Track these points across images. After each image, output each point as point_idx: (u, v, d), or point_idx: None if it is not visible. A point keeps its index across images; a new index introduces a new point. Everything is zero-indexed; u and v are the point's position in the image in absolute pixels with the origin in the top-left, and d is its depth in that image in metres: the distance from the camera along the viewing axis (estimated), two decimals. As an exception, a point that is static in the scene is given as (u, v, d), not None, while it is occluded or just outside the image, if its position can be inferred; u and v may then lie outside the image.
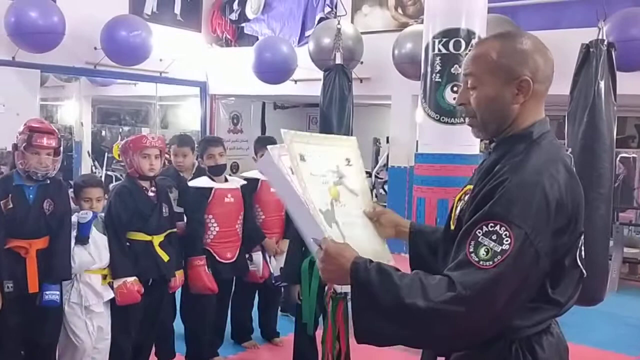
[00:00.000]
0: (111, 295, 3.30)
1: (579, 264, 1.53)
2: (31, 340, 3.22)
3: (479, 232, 1.41)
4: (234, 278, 4.18)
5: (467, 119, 1.63)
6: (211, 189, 3.94)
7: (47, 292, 3.08)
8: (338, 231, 1.68)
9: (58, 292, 3.12)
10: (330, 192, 1.75)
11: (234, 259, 3.99)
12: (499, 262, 1.36)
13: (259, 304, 4.55)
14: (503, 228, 1.38)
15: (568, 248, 1.48)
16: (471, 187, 1.60)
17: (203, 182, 3.97)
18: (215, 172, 4.02)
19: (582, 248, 1.56)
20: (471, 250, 1.40)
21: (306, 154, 1.71)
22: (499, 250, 1.37)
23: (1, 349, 3.11)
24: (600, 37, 3.93)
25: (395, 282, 1.43)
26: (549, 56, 1.55)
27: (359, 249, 1.58)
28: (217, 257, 3.93)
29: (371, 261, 1.51)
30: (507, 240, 1.37)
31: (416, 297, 1.39)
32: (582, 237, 1.54)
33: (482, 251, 1.39)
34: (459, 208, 1.62)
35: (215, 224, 3.94)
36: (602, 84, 3.85)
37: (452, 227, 1.63)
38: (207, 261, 3.84)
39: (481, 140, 4.21)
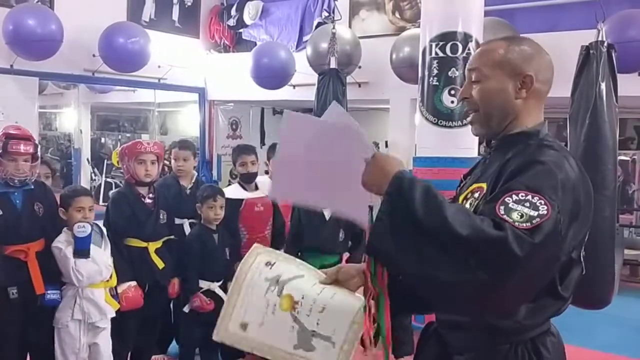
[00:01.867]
0: (113, 313, 3.28)
1: (582, 261, 1.54)
2: (31, 342, 3.23)
3: (509, 199, 1.33)
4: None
5: (469, 116, 1.65)
6: (242, 200, 4.02)
7: (49, 292, 3.11)
8: (322, 342, 1.60)
9: (59, 292, 3.15)
10: (282, 309, 1.64)
11: None
12: (539, 224, 1.28)
13: None
14: (536, 197, 1.32)
15: (578, 241, 1.48)
16: (480, 185, 1.58)
17: (235, 192, 4.07)
18: (247, 179, 4.11)
19: (583, 247, 1.55)
20: (502, 212, 1.31)
21: (243, 317, 1.66)
22: (535, 215, 1.29)
23: (3, 355, 3.11)
24: (599, 38, 3.93)
25: (440, 201, 1.32)
26: (549, 61, 1.63)
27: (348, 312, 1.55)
28: None
29: (417, 177, 1.41)
30: (543, 207, 1.31)
31: (461, 223, 1.27)
32: (586, 235, 1.54)
33: (515, 214, 1.30)
34: (467, 205, 1.58)
35: (244, 232, 4.03)
36: (603, 86, 3.84)
37: None
38: None
39: (480, 143, 4.21)
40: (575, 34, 5.02)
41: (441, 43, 4.11)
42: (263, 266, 1.75)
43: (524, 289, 1.36)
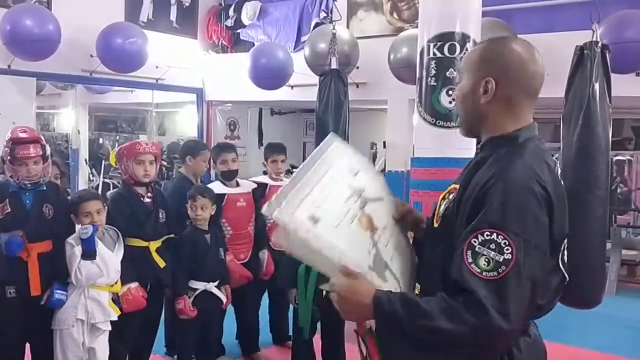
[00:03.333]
0: (115, 316, 3.26)
1: (562, 267, 1.53)
2: (31, 343, 3.24)
3: (475, 241, 1.38)
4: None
5: None
6: (224, 195, 4.02)
7: (57, 291, 3.10)
8: (392, 278, 1.57)
9: (66, 293, 3.14)
10: (361, 226, 1.56)
11: (247, 259, 4.10)
12: (505, 273, 1.34)
13: (270, 306, 4.54)
14: (501, 237, 1.36)
15: (553, 249, 1.47)
16: (456, 186, 1.60)
17: (216, 188, 4.05)
18: (228, 177, 4.14)
19: (565, 252, 1.55)
20: (469, 260, 1.37)
21: (315, 211, 1.47)
22: (501, 260, 1.35)
23: (2, 355, 3.11)
24: (594, 39, 3.93)
25: (421, 308, 1.39)
26: (531, 67, 1.54)
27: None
28: None
29: (392, 292, 1.48)
30: (507, 250, 1.35)
31: (442, 320, 1.35)
32: (566, 241, 1.54)
33: (482, 261, 1.36)
34: (442, 206, 1.62)
35: (228, 228, 4.03)
36: (596, 86, 3.84)
37: (436, 224, 1.63)
38: None
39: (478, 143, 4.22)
40: (572, 34, 5.02)
41: (439, 43, 4.10)
42: (347, 172, 1.65)
43: (520, 315, 1.40)
